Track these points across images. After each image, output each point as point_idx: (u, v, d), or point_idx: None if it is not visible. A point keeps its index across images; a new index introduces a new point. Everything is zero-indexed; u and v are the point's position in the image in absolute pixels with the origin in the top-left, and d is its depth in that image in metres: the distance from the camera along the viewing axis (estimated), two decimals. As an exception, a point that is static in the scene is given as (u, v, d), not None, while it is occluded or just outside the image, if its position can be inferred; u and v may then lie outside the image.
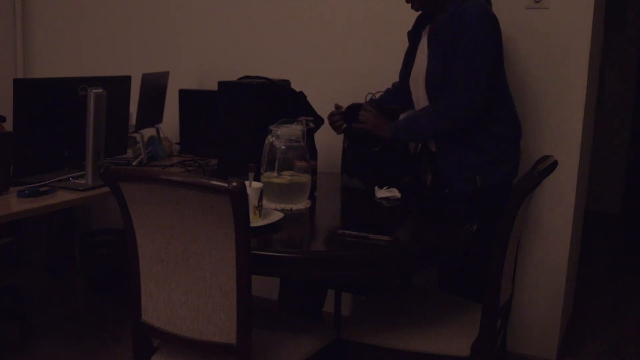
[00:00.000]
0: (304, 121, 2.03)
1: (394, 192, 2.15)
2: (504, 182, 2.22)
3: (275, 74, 2.80)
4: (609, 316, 3.30)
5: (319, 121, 2.29)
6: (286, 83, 2.54)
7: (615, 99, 5.25)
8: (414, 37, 2.37)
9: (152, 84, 2.91)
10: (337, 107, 2.38)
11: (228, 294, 1.47)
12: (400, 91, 2.47)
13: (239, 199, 1.38)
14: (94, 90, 2.23)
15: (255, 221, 1.67)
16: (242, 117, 2.28)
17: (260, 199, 1.69)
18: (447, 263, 2.30)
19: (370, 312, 1.97)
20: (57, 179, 2.30)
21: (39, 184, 2.20)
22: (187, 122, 3.03)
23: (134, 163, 2.71)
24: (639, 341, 3.01)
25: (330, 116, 2.37)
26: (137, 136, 2.79)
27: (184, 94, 3.03)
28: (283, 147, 1.95)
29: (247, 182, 1.60)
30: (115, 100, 2.44)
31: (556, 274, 2.62)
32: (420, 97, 2.28)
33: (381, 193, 2.15)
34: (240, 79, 2.41)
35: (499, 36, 2.12)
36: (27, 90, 2.18)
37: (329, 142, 2.90)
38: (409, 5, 2.23)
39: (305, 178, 1.96)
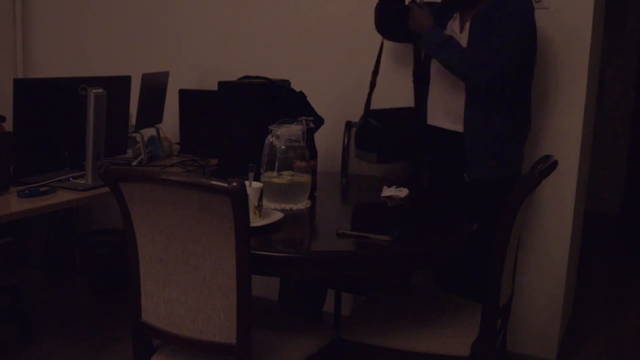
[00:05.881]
0: (304, 121, 2.03)
1: (401, 192, 2.15)
2: (511, 179, 2.22)
3: (275, 74, 2.80)
4: (609, 316, 3.30)
5: (319, 121, 2.29)
6: (286, 83, 2.54)
7: (615, 99, 5.25)
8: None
9: (152, 84, 2.91)
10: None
11: (228, 294, 1.47)
12: None
13: (239, 199, 1.38)
14: (94, 90, 2.23)
15: (255, 221, 1.67)
16: (242, 117, 2.28)
17: (260, 199, 1.69)
18: (447, 263, 2.29)
19: (370, 312, 1.97)
20: (57, 179, 2.30)
21: (39, 184, 2.20)
22: (187, 122, 3.03)
23: (134, 163, 2.71)
24: (639, 341, 3.01)
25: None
26: (137, 136, 2.79)
27: (184, 94, 3.03)
28: (283, 147, 1.95)
29: (247, 182, 1.61)
30: (115, 100, 2.44)
31: (556, 274, 2.62)
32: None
33: (387, 192, 2.15)
34: (240, 79, 2.41)
35: (534, 28, 2.20)
36: (27, 90, 2.18)
37: (329, 142, 2.90)
38: None
39: (305, 178, 1.96)
